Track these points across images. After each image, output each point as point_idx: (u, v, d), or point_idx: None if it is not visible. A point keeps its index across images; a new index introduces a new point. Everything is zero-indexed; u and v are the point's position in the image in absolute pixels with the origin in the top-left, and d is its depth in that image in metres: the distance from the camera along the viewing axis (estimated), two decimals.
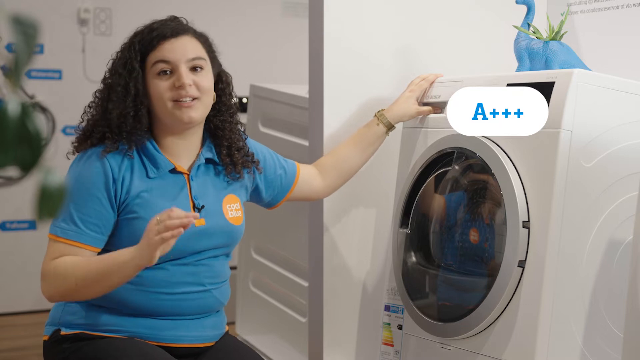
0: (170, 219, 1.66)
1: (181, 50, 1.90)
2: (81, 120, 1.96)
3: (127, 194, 1.85)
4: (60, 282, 1.79)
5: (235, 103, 2.05)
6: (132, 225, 1.84)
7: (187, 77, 1.88)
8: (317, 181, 2.26)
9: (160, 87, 1.88)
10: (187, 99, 1.88)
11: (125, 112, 1.87)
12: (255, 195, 2.14)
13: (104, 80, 1.94)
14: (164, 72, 1.89)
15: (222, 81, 2.01)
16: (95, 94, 1.96)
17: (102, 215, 1.83)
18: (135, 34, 1.93)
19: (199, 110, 1.91)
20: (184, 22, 1.97)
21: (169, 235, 1.66)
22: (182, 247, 1.86)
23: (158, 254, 1.69)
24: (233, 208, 1.99)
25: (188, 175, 1.94)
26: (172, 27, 1.92)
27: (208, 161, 1.99)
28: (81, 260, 1.80)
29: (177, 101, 1.88)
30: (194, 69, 1.91)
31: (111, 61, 1.95)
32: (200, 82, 1.90)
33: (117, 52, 1.94)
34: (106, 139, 1.87)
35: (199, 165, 1.96)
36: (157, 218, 1.69)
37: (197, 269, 1.91)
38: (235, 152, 2.01)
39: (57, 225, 1.83)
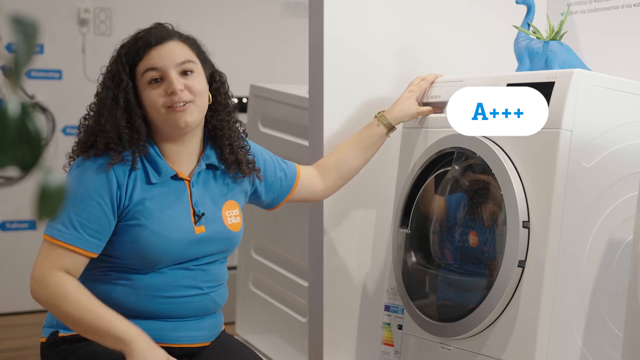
0: None
1: (168, 55, 1.88)
2: (79, 131, 1.94)
3: (130, 200, 1.84)
4: (55, 300, 1.77)
5: (232, 102, 2.03)
6: (133, 231, 1.84)
7: (177, 82, 1.86)
8: (318, 182, 2.25)
9: (153, 96, 1.87)
10: (180, 103, 1.86)
11: (117, 124, 1.85)
12: (254, 199, 2.13)
13: (96, 94, 1.93)
14: (155, 80, 1.87)
15: (216, 81, 1.98)
16: (89, 107, 1.94)
17: (102, 221, 1.81)
18: (122, 47, 1.91)
19: (194, 114, 1.89)
20: (169, 27, 1.95)
21: None
22: (181, 254, 1.87)
23: None
24: (232, 214, 1.99)
25: (189, 182, 1.93)
26: (157, 34, 1.90)
27: (208, 166, 1.98)
28: (83, 297, 1.77)
29: (170, 107, 1.86)
30: (184, 73, 1.89)
31: (101, 76, 1.93)
32: (192, 86, 1.88)
33: (107, 66, 1.93)
34: (111, 150, 1.85)
35: (199, 172, 1.95)
36: None
37: (195, 273, 1.91)
38: (239, 150, 2.01)
39: (55, 228, 1.80)
